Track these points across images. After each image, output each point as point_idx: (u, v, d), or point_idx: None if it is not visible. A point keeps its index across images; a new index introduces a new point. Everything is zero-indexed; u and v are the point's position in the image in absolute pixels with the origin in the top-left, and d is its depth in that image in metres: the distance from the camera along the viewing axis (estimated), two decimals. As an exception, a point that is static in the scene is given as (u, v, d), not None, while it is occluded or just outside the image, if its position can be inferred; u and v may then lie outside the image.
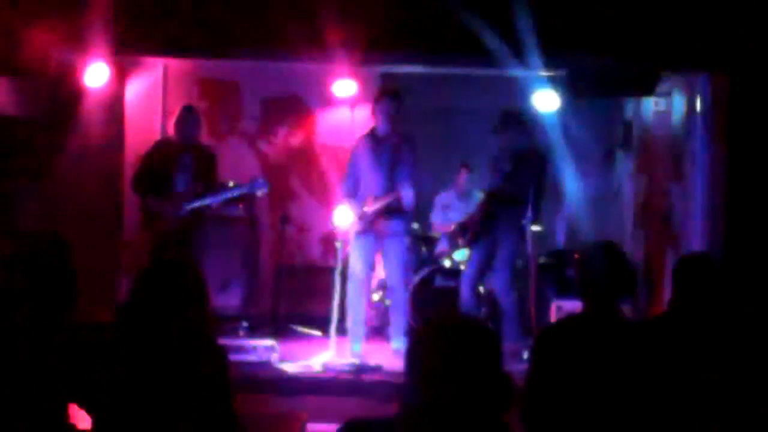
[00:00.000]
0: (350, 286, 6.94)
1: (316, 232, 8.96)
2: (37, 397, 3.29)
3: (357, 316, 6.96)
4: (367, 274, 7.16)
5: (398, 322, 7.07)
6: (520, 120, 6.98)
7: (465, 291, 7.04)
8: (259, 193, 7.16)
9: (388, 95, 6.94)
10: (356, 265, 6.97)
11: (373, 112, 6.99)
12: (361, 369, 6.33)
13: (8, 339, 3.33)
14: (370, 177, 6.93)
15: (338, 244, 6.95)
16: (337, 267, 6.88)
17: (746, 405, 3.63)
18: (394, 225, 6.92)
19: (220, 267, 8.01)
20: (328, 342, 6.73)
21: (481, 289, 7.30)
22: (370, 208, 6.83)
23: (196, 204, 6.96)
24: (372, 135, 7.03)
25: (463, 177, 8.46)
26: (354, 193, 7.00)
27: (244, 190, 7.14)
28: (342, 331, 6.93)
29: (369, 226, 6.88)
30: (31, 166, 7.22)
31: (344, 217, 6.86)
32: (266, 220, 8.70)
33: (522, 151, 6.90)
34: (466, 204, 8.14)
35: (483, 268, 7.09)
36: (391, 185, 6.83)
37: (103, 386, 3.14)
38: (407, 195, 6.71)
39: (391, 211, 6.87)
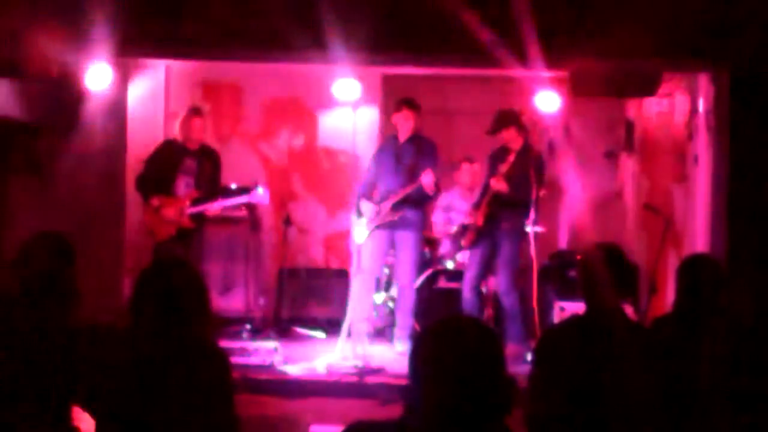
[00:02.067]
0: (357, 282, 6.94)
1: (318, 233, 8.96)
2: (40, 399, 3.29)
3: (361, 311, 6.95)
4: (377, 270, 7.18)
5: (404, 323, 7.07)
6: (516, 119, 6.99)
7: (467, 292, 7.04)
8: (259, 202, 7.23)
9: (406, 106, 7.04)
10: (367, 259, 6.99)
11: (394, 120, 7.11)
12: (364, 371, 6.32)
13: (11, 341, 3.33)
14: (390, 178, 7.02)
15: (353, 248, 7.01)
16: (353, 270, 6.92)
17: (750, 405, 3.63)
18: (408, 215, 6.96)
19: (222, 269, 8.02)
20: (335, 344, 6.73)
21: (484, 289, 7.29)
22: (391, 202, 6.88)
23: (197, 209, 6.98)
24: (394, 139, 7.12)
25: (465, 172, 8.44)
26: (369, 195, 7.07)
27: (243, 200, 7.19)
28: (350, 333, 6.93)
29: (385, 219, 6.92)
30: (33, 169, 7.22)
31: (363, 233, 6.94)
32: (269, 222, 8.70)
33: (521, 151, 6.90)
34: (469, 203, 8.13)
35: (485, 270, 7.09)
36: (410, 181, 6.88)
37: (105, 388, 3.13)
38: (428, 178, 6.74)
39: (407, 201, 6.91)
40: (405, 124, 7.06)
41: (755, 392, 3.64)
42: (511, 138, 6.97)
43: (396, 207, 6.91)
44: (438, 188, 6.96)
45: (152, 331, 3.11)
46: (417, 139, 7.08)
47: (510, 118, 6.99)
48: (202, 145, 7.19)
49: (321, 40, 6.27)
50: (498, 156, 7.07)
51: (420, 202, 7.01)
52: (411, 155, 6.99)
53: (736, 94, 6.42)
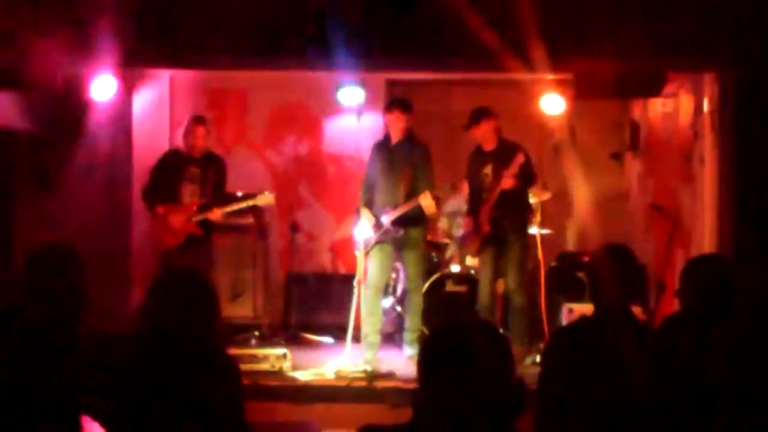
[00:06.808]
0: (367, 294, 6.94)
1: (325, 239, 8.96)
2: (50, 409, 3.30)
3: (373, 324, 6.94)
4: (384, 282, 7.18)
5: (412, 327, 7.06)
6: (491, 114, 6.98)
7: (485, 296, 7.03)
8: (264, 204, 7.24)
9: (398, 107, 6.97)
10: (374, 273, 6.97)
11: (384, 122, 7.06)
12: (373, 376, 6.32)
13: (20, 351, 3.34)
14: (386, 187, 6.95)
15: (358, 254, 6.97)
16: (356, 276, 6.90)
17: (759, 405, 3.62)
18: (413, 234, 6.96)
19: (230, 276, 8.02)
20: (344, 349, 6.73)
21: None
22: (390, 217, 6.85)
23: (204, 216, 6.99)
24: (385, 143, 7.07)
25: None
26: (371, 201, 7.03)
27: (249, 203, 7.21)
28: (355, 338, 6.93)
29: (388, 235, 6.90)
30: (40, 179, 7.24)
31: (365, 231, 6.89)
32: (276, 228, 8.70)
33: (524, 152, 6.89)
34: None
35: (497, 271, 7.08)
36: (408, 193, 6.85)
37: (114, 397, 3.14)
38: (426, 200, 6.73)
39: (410, 220, 6.89)
40: (396, 125, 6.96)
41: (764, 392, 3.63)
42: (487, 133, 6.94)
43: (397, 223, 6.90)
44: (438, 205, 6.94)
45: (162, 340, 3.11)
46: (409, 142, 7.00)
47: (484, 112, 6.97)
48: (206, 153, 7.20)
49: (325, 46, 6.28)
50: (479, 158, 7.05)
51: (421, 219, 7.00)
52: (404, 159, 6.92)
53: (741, 93, 6.41)
